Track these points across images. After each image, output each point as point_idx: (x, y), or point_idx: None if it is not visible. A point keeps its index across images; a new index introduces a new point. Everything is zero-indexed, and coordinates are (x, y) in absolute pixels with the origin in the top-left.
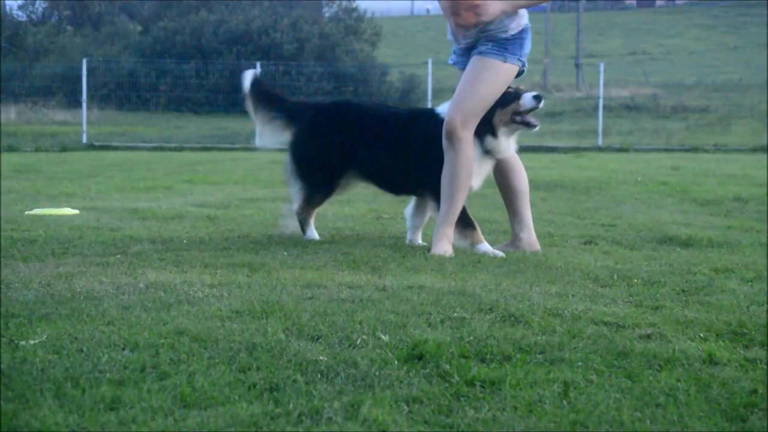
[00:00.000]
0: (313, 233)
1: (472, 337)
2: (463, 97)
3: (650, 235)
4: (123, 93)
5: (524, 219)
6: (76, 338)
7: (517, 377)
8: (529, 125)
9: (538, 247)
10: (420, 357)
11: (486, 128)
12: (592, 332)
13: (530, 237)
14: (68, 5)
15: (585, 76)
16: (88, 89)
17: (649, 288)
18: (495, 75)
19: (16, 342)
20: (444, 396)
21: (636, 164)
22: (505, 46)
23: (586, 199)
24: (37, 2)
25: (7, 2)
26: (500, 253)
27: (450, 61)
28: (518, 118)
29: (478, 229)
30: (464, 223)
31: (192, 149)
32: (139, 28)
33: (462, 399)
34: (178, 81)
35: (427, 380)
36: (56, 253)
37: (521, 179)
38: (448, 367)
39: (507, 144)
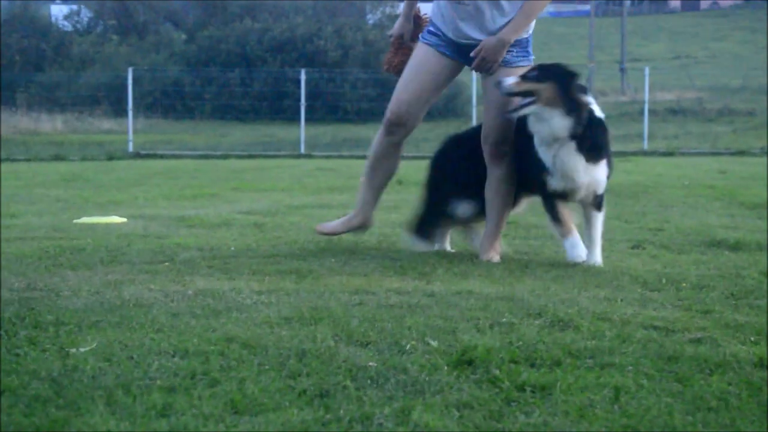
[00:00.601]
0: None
1: (521, 342)
2: (501, 116)
3: (698, 239)
4: (168, 101)
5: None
6: (126, 346)
7: (567, 382)
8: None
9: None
10: (470, 362)
11: None
12: (641, 337)
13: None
14: (113, 14)
15: (630, 80)
16: (134, 98)
17: (698, 292)
18: None
19: (66, 350)
20: (494, 401)
21: (682, 168)
22: (527, 47)
23: (632, 204)
24: (83, 12)
25: (52, 12)
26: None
27: (426, 41)
28: None
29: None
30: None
31: (237, 157)
32: (184, 36)
33: (513, 404)
34: (223, 89)
35: (477, 386)
36: (105, 261)
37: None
38: (498, 372)
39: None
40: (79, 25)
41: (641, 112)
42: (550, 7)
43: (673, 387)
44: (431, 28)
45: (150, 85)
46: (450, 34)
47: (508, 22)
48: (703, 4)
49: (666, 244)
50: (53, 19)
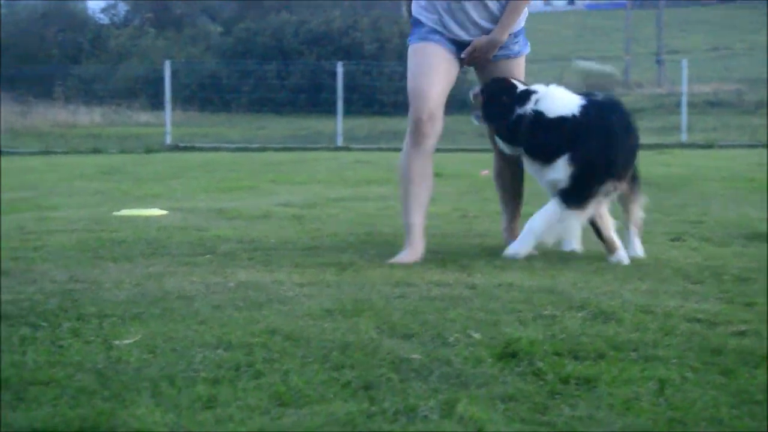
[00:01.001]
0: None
1: (564, 335)
2: None
3: (738, 231)
4: (205, 94)
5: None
6: (169, 337)
7: (611, 375)
8: None
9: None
10: (513, 355)
11: None
12: (685, 329)
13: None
14: (150, 8)
15: (667, 72)
16: (171, 91)
17: (740, 285)
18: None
19: (110, 342)
20: (539, 394)
21: (721, 160)
22: (523, 33)
23: (671, 196)
24: (120, 5)
25: (89, 5)
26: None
27: (423, 39)
28: None
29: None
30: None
31: (274, 149)
32: (221, 29)
33: (557, 397)
34: (260, 82)
35: (521, 378)
36: (145, 253)
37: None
38: (541, 364)
39: None
40: (116, 18)
41: (678, 105)
42: None
43: (717, 380)
44: (426, 28)
45: (187, 78)
46: (445, 30)
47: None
48: None
49: (706, 236)
50: (90, 12)
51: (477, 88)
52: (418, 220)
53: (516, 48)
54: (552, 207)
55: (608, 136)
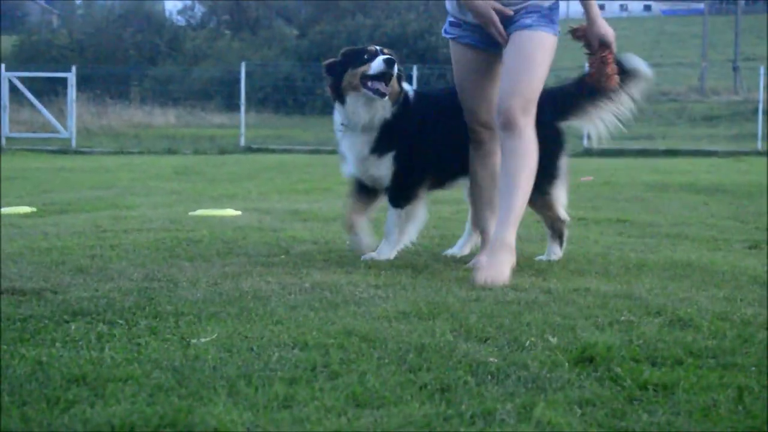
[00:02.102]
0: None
1: (641, 341)
2: (519, 80)
3: None
4: (279, 96)
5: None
6: (246, 337)
7: (690, 381)
8: (376, 92)
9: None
10: (590, 360)
11: (336, 94)
12: (763, 337)
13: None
14: (226, 10)
15: (743, 79)
16: (246, 93)
17: None
18: (549, 51)
19: (187, 340)
20: (617, 399)
21: None
22: (551, 16)
23: (748, 203)
24: (196, 7)
25: (166, 6)
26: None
27: (451, 35)
28: (369, 84)
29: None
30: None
31: None
32: (296, 32)
33: (635, 403)
34: None
35: (598, 383)
36: (221, 253)
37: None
38: (619, 370)
39: (359, 113)
40: (192, 20)
41: (755, 112)
42: (663, 6)
43: None
44: (451, 18)
45: (262, 80)
46: (462, 16)
47: None
48: None
49: None
50: (167, 14)
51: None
52: (490, 224)
53: (528, 21)
54: (390, 210)
55: (427, 133)
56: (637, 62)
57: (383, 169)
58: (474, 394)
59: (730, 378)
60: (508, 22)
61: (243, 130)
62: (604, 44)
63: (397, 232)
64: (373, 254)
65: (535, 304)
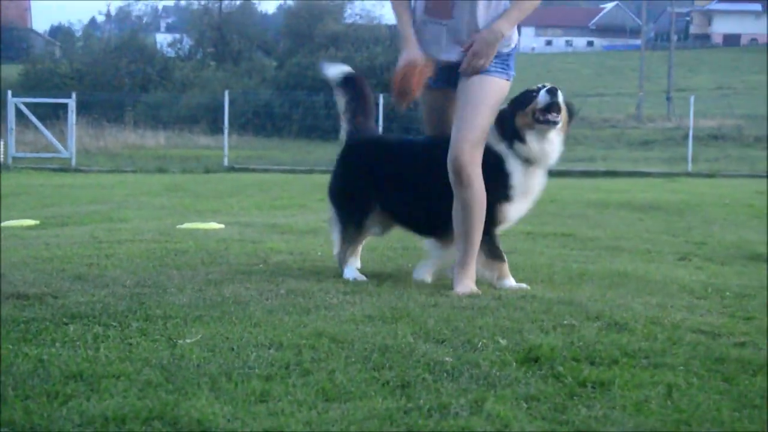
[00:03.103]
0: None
1: (581, 343)
2: (467, 125)
3: (739, 252)
4: (260, 121)
5: None
6: (227, 338)
7: (624, 379)
8: (548, 122)
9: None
10: (535, 359)
11: (513, 136)
12: (690, 340)
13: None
14: (211, 43)
15: (675, 108)
16: (229, 118)
17: (740, 300)
18: (500, 96)
19: (174, 340)
20: (559, 395)
21: (723, 188)
22: (508, 61)
23: (679, 220)
24: (185, 40)
25: (158, 40)
26: (524, 286)
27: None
28: (540, 117)
29: (506, 262)
30: (493, 254)
31: (321, 172)
32: (274, 63)
33: (575, 398)
34: (309, 111)
35: (543, 380)
36: (205, 262)
37: None
38: (561, 369)
39: (541, 147)
40: (181, 52)
41: (686, 137)
42: (604, 41)
43: (720, 386)
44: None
45: (243, 106)
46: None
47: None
48: (743, 40)
49: (710, 256)
50: (158, 46)
51: None
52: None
53: (491, 67)
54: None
55: None
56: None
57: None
58: (431, 389)
59: (661, 376)
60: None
61: (226, 151)
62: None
63: None
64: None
65: (487, 310)
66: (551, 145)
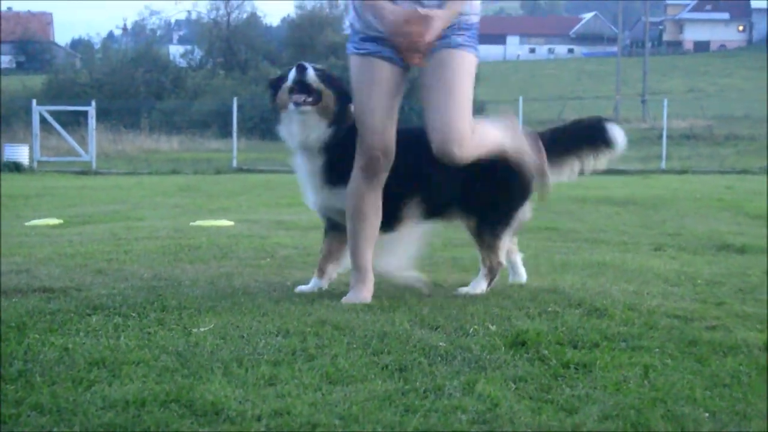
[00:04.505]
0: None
1: (565, 328)
2: (458, 105)
3: (710, 243)
4: (266, 125)
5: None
6: (237, 326)
7: (604, 361)
8: (295, 104)
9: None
10: (523, 343)
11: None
12: (665, 324)
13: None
14: (221, 53)
15: (650, 110)
16: (237, 122)
17: (711, 287)
18: (473, 73)
19: (189, 329)
20: (544, 376)
21: (695, 184)
22: (475, 34)
23: (653, 213)
24: (196, 51)
25: (171, 51)
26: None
27: (365, 50)
28: (290, 98)
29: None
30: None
31: None
32: (279, 72)
33: (559, 379)
34: None
35: (529, 363)
36: (217, 256)
37: None
38: (546, 352)
39: (290, 130)
40: (192, 62)
41: (660, 137)
42: (584, 49)
43: (693, 366)
44: (363, 34)
45: (251, 111)
46: (369, 30)
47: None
48: (713, 46)
49: (683, 247)
50: (171, 57)
51: None
52: (369, 258)
53: (459, 39)
54: None
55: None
56: (616, 134)
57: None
58: (426, 372)
59: (638, 358)
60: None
61: (235, 153)
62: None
63: None
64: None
65: (477, 298)
66: (304, 128)
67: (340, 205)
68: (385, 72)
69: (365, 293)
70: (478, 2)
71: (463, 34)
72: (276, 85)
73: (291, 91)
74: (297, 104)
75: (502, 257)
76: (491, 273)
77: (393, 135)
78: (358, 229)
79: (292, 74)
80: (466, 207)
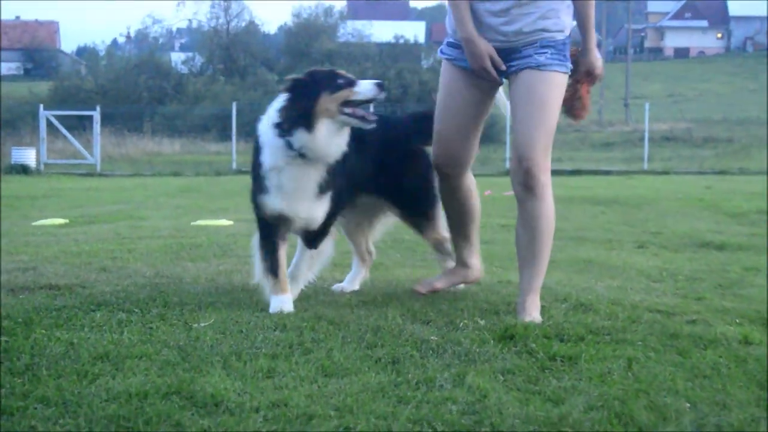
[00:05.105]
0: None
1: (551, 322)
2: (537, 130)
3: (690, 240)
4: None
5: (475, 245)
6: (237, 322)
7: (590, 354)
8: (363, 121)
9: (481, 274)
10: (511, 337)
11: (299, 119)
12: (648, 318)
13: (478, 264)
14: (221, 60)
15: (632, 113)
16: (237, 127)
17: (692, 283)
18: (562, 91)
19: (190, 324)
20: (532, 368)
21: (676, 184)
22: (564, 51)
23: (636, 212)
24: (197, 58)
25: (172, 58)
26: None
27: (447, 56)
28: (348, 110)
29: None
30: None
31: None
32: (276, 77)
33: (546, 371)
34: None
35: (517, 356)
36: (217, 255)
37: (477, 202)
38: (534, 345)
39: (327, 143)
40: (193, 69)
41: (642, 139)
42: None
43: (675, 359)
44: (450, 39)
45: (249, 116)
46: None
47: (561, 18)
48: (692, 52)
49: (665, 244)
50: (173, 64)
51: None
52: (457, 248)
53: (541, 59)
54: (306, 252)
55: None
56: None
57: (320, 210)
58: (418, 365)
59: (622, 351)
60: (516, 53)
61: (234, 156)
62: (588, 74)
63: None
64: (284, 306)
65: (468, 294)
66: (340, 141)
67: (312, 213)
68: (459, 81)
69: (460, 275)
70: (565, 20)
71: (545, 53)
72: (317, 88)
73: (349, 103)
74: (360, 118)
75: (445, 232)
76: (445, 251)
77: (461, 146)
78: (448, 222)
79: (372, 89)
80: (389, 196)
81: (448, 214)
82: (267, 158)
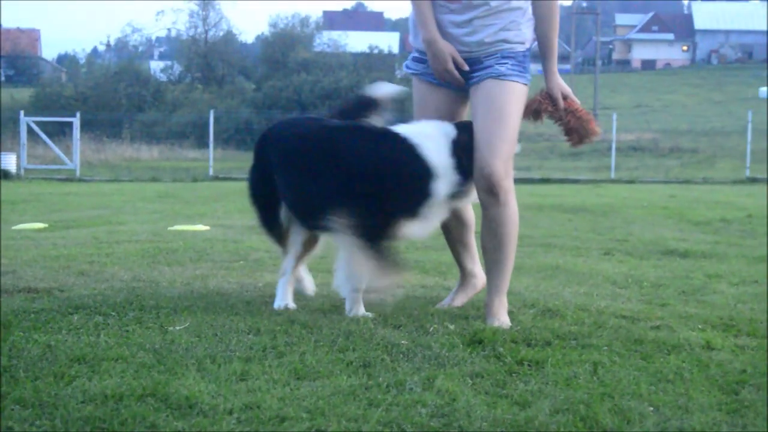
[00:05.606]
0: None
1: (519, 327)
2: (496, 139)
3: (655, 248)
4: (240, 137)
5: (475, 252)
6: (211, 325)
7: (556, 358)
8: None
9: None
10: (480, 342)
11: None
12: (613, 324)
13: (481, 271)
14: (199, 68)
15: (600, 123)
16: (214, 134)
17: (656, 290)
18: (521, 102)
19: (165, 328)
20: (500, 372)
21: (641, 193)
22: (524, 63)
23: (603, 220)
24: (175, 67)
25: (151, 66)
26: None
27: (413, 71)
28: None
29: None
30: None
31: None
32: (253, 86)
33: (514, 375)
34: None
35: (486, 360)
36: (193, 259)
37: (470, 211)
38: (502, 349)
39: None
40: (172, 77)
41: (609, 149)
42: (538, 66)
43: (639, 363)
44: (415, 54)
45: (227, 123)
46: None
47: (522, 30)
48: (659, 65)
49: (630, 251)
50: (152, 71)
51: None
52: (458, 259)
53: (502, 69)
54: None
55: None
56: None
57: None
58: (389, 368)
59: (588, 355)
60: (478, 65)
61: (211, 162)
62: (551, 98)
63: None
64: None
65: (438, 299)
66: None
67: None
68: (428, 94)
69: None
70: (525, 32)
71: (506, 63)
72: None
73: None
74: None
75: None
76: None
77: None
78: (444, 233)
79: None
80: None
81: (443, 226)
82: None
